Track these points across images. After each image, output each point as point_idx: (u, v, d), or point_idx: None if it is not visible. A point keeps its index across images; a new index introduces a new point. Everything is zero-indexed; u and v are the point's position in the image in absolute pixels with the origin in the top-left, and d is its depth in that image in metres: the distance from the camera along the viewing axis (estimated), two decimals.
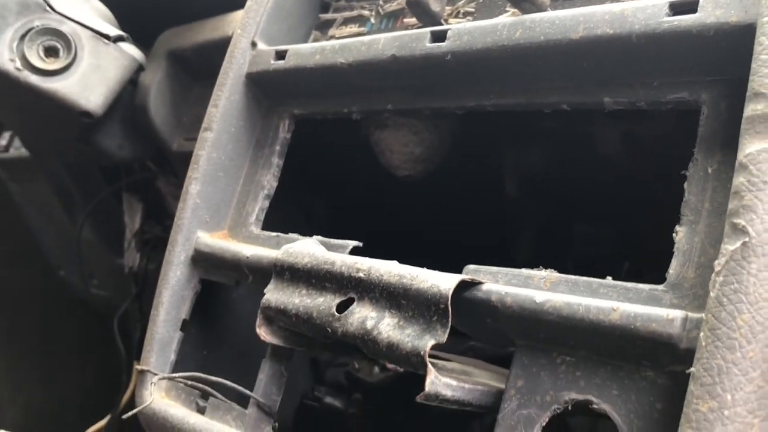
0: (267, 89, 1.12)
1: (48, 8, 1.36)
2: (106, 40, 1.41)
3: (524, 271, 0.77)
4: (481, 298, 0.74)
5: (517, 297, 0.71)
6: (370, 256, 0.85)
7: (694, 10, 0.70)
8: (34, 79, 1.35)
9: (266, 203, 1.09)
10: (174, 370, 1.05)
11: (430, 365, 0.72)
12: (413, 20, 1.05)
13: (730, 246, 0.60)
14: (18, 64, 1.33)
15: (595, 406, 0.67)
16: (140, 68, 1.49)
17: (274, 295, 0.91)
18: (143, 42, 1.51)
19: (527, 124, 1.19)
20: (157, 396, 1.02)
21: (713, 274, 0.60)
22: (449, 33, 0.89)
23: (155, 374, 1.02)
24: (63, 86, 1.36)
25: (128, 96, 1.50)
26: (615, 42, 0.75)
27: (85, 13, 1.41)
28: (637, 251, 1.25)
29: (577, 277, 0.73)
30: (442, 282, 0.74)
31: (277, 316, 0.90)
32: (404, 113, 1.07)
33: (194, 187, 1.08)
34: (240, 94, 1.11)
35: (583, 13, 0.78)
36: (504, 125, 1.19)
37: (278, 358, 0.95)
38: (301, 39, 1.16)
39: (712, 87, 0.72)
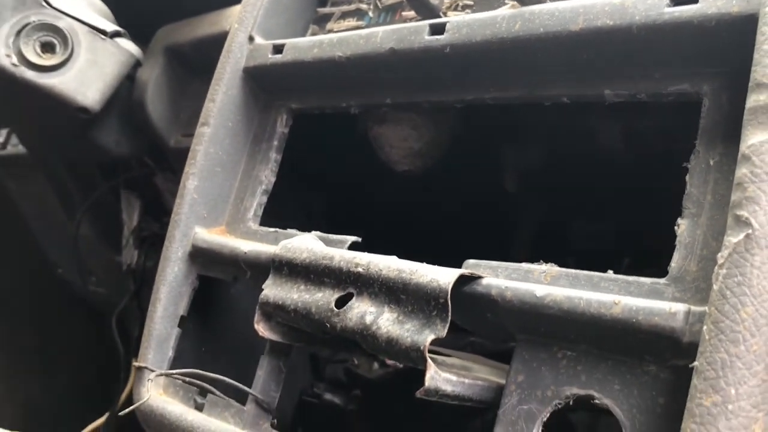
0: (264, 84, 1.12)
1: (44, 4, 1.36)
2: (102, 36, 1.40)
3: (524, 265, 0.76)
4: (481, 292, 0.74)
5: (518, 291, 0.71)
6: (369, 252, 0.84)
7: (695, 1, 0.70)
8: (31, 75, 1.34)
9: (264, 198, 1.08)
10: (172, 367, 1.04)
11: (429, 360, 0.71)
12: (411, 13, 1.04)
13: (733, 238, 0.59)
14: (14, 59, 1.32)
15: (596, 401, 0.67)
16: (137, 64, 1.48)
17: (273, 290, 0.90)
18: (140, 38, 1.50)
19: (527, 119, 1.18)
20: (155, 393, 1.01)
21: (716, 267, 0.59)
22: (448, 26, 0.88)
23: (153, 371, 1.02)
24: (60, 82, 1.36)
25: (125, 92, 1.50)
26: (615, 33, 0.75)
27: (81, 8, 1.40)
28: (637, 247, 1.25)
29: (577, 271, 0.73)
30: (441, 276, 0.73)
31: (275, 312, 0.90)
32: (403, 107, 1.07)
33: (191, 182, 1.07)
34: (237, 88, 1.10)
35: (583, 5, 0.77)
36: (503, 120, 1.19)
37: (277, 354, 0.94)
38: (299, 33, 1.16)
39: (713, 78, 0.72)
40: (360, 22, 1.11)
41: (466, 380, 0.75)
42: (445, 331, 0.71)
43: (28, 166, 1.90)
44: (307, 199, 1.46)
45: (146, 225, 1.75)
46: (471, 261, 0.80)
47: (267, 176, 1.09)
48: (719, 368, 0.56)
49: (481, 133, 1.22)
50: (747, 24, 0.66)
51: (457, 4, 1.00)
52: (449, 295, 0.71)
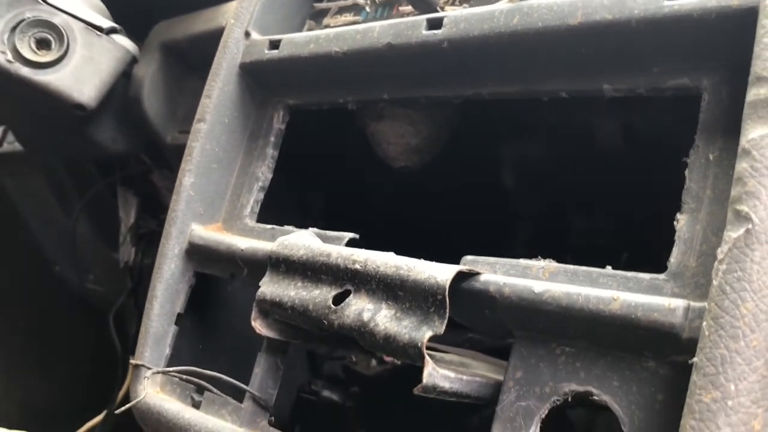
0: (261, 79, 1.11)
1: (39, 0, 1.35)
2: (98, 32, 1.39)
3: (522, 261, 0.76)
4: (479, 288, 0.73)
5: (516, 287, 0.70)
6: (366, 248, 0.84)
7: None
8: (26, 72, 1.33)
9: (261, 195, 1.08)
10: (169, 365, 1.04)
11: (427, 357, 0.71)
12: (409, 8, 1.03)
13: (733, 233, 0.59)
14: (9, 56, 1.31)
15: (595, 397, 0.66)
16: (134, 60, 1.48)
17: (270, 287, 0.89)
18: (137, 34, 1.50)
19: (525, 115, 1.18)
20: (152, 391, 1.01)
21: (716, 262, 0.59)
22: (445, 20, 0.87)
23: (149, 368, 1.01)
24: (55, 79, 1.35)
25: (122, 89, 1.49)
26: (614, 27, 0.74)
27: (77, 4, 1.40)
28: (635, 243, 1.24)
29: (576, 266, 0.72)
30: (439, 273, 0.73)
31: (272, 309, 0.89)
32: (400, 103, 1.06)
33: (188, 179, 1.07)
34: (234, 84, 1.10)
35: None
36: (502, 116, 1.18)
37: (274, 351, 0.94)
38: (296, 28, 1.15)
39: (713, 72, 0.71)
40: (357, 18, 1.10)
41: (464, 377, 0.75)
42: (443, 327, 0.71)
43: (25, 164, 1.89)
44: (305, 195, 1.46)
45: (143, 222, 1.75)
46: (469, 257, 0.79)
47: (264, 173, 1.08)
48: (719, 364, 0.56)
49: (479, 129, 1.22)
50: (747, 17, 0.65)
51: None
52: (447, 292, 0.71)
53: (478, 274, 0.74)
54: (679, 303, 0.61)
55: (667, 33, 0.71)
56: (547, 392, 0.69)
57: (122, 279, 1.78)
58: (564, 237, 1.38)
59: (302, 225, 0.98)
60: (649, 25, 0.72)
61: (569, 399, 0.68)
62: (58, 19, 1.35)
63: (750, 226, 0.58)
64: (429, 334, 0.71)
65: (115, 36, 1.42)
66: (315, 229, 0.95)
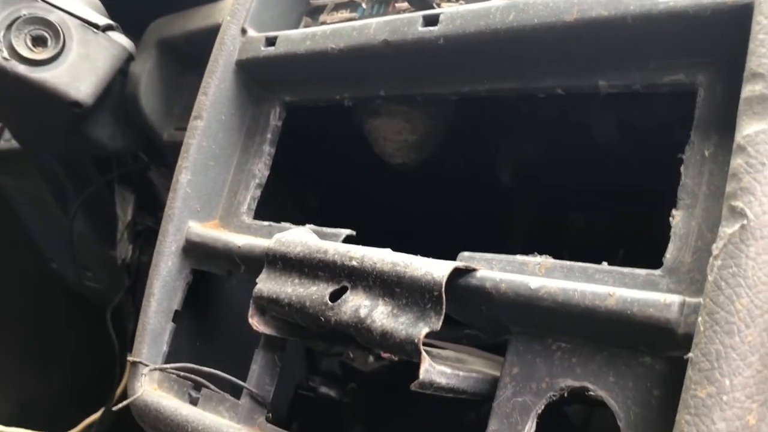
0: (257, 76, 1.11)
1: None
2: (95, 30, 1.39)
3: (519, 257, 0.76)
4: (476, 285, 0.73)
5: (512, 283, 0.71)
6: (363, 245, 0.84)
7: None
8: (22, 69, 1.33)
9: (258, 192, 1.08)
10: (167, 362, 1.04)
11: (424, 353, 0.71)
12: (405, 5, 1.03)
13: (728, 229, 0.59)
14: (5, 54, 1.31)
15: (591, 393, 0.67)
16: (130, 58, 1.47)
17: (267, 284, 0.90)
18: (133, 31, 1.49)
19: (522, 112, 1.18)
20: (150, 388, 1.01)
21: (711, 258, 0.59)
22: (441, 17, 0.87)
23: (147, 365, 1.01)
24: (52, 76, 1.35)
25: (118, 86, 1.49)
26: (610, 24, 0.74)
27: (73, 1, 1.39)
28: (631, 239, 1.24)
29: (572, 262, 0.72)
30: (435, 269, 0.73)
31: (269, 306, 0.89)
32: (397, 100, 1.06)
33: (184, 176, 1.07)
34: (230, 81, 1.10)
35: None
36: (498, 114, 1.18)
37: (271, 348, 0.94)
38: (292, 25, 1.15)
39: (708, 69, 0.71)
40: (353, 14, 1.10)
41: (461, 373, 0.75)
42: (440, 323, 0.71)
43: (22, 161, 1.89)
44: (301, 192, 1.46)
45: (141, 219, 1.75)
46: (465, 253, 0.79)
47: (260, 170, 1.08)
48: (714, 359, 0.56)
49: (476, 125, 1.22)
50: (742, 13, 0.65)
51: None
52: (443, 288, 0.71)
53: (474, 270, 0.74)
54: (674, 299, 0.61)
55: (662, 29, 0.71)
56: (544, 388, 0.69)
57: (120, 276, 1.78)
58: (560, 233, 1.38)
59: (299, 222, 0.98)
60: (645, 21, 0.72)
61: (565, 394, 0.69)
62: (54, 17, 1.35)
63: (745, 221, 0.58)
64: (425, 330, 0.71)
65: (111, 33, 1.42)
66: (312, 226, 0.95)
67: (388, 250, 0.81)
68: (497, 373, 0.74)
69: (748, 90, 0.62)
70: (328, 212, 1.44)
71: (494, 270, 0.75)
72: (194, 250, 1.05)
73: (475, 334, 1.14)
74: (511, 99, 0.90)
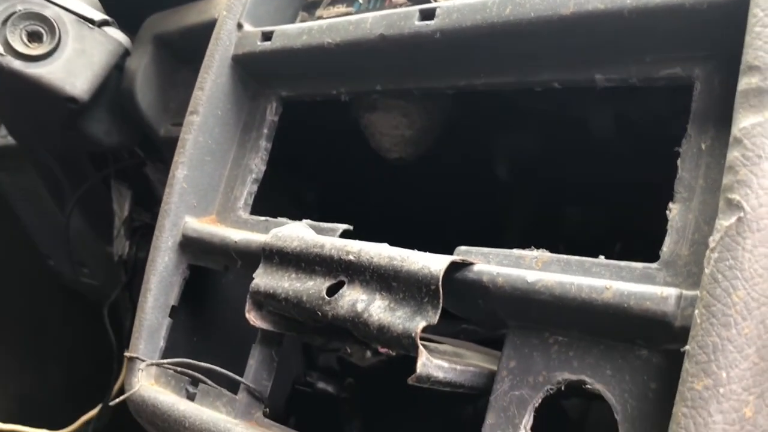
0: (254, 71, 1.11)
1: None
2: (90, 25, 1.39)
3: (516, 251, 0.76)
4: (473, 278, 0.73)
5: (509, 277, 0.70)
6: (360, 240, 0.84)
7: None
8: (18, 65, 1.32)
9: (254, 187, 1.08)
10: (164, 357, 1.04)
11: (421, 347, 0.71)
12: None
13: (724, 222, 0.59)
14: (1, 49, 1.30)
15: (588, 386, 0.67)
16: (126, 53, 1.47)
17: (263, 279, 0.89)
18: (129, 27, 1.49)
19: (518, 106, 1.18)
20: (147, 383, 1.01)
21: (708, 251, 0.59)
22: (438, 11, 0.87)
23: (144, 361, 1.01)
24: (48, 72, 1.34)
25: (114, 81, 1.48)
26: (606, 17, 0.74)
27: None
28: (628, 233, 1.24)
29: (569, 256, 0.72)
30: (432, 263, 0.73)
31: (266, 301, 0.89)
32: (394, 95, 1.06)
33: (181, 171, 1.07)
34: (226, 76, 1.10)
35: None
36: (495, 108, 1.18)
37: (268, 343, 0.94)
38: (288, 20, 1.14)
39: (705, 62, 0.71)
40: (350, 9, 1.10)
41: (458, 367, 0.75)
42: (437, 317, 0.71)
43: (18, 158, 1.88)
44: (298, 187, 1.46)
45: (137, 215, 1.74)
46: (462, 248, 0.79)
47: (257, 165, 1.08)
48: (711, 352, 0.56)
49: (472, 120, 1.22)
50: (738, 6, 0.65)
51: None
52: (440, 282, 0.71)
53: (471, 264, 0.74)
54: (671, 291, 0.61)
55: (659, 22, 0.71)
56: (541, 381, 0.69)
57: (117, 272, 1.77)
58: (557, 227, 1.38)
59: (296, 217, 0.98)
60: (641, 14, 0.71)
61: (562, 388, 0.69)
62: (50, 12, 1.34)
63: (741, 214, 0.58)
64: (422, 324, 0.71)
65: (107, 28, 1.42)
66: (309, 221, 0.95)
67: (385, 245, 0.81)
68: (494, 367, 0.74)
69: (745, 83, 0.62)
70: (324, 207, 1.44)
71: (491, 264, 0.75)
72: (191, 246, 1.05)
73: (472, 329, 1.15)
74: (508, 93, 0.90)
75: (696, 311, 0.58)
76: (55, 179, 1.85)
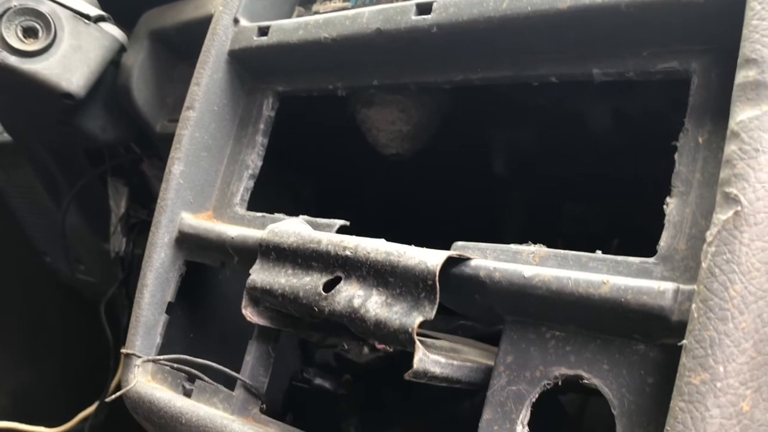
0: (250, 66, 1.10)
1: None
2: (86, 21, 1.38)
3: (513, 246, 0.76)
4: (469, 274, 0.73)
5: (506, 272, 0.70)
6: (357, 235, 0.84)
7: None
8: (14, 61, 1.32)
9: (251, 183, 1.07)
10: (160, 353, 1.04)
11: (418, 342, 0.71)
12: None
13: (722, 216, 0.59)
14: None
15: (585, 381, 0.66)
16: (122, 49, 1.46)
17: (260, 275, 0.89)
18: (125, 22, 1.48)
19: (516, 102, 1.17)
20: (143, 380, 1.01)
21: (705, 245, 0.59)
22: (435, 5, 0.87)
23: (140, 357, 1.01)
24: (43, 67, 1.34)
25: (111, 77, 1.48)
26: (604, 11, 0.74)
27: None
28: (626, 229, 1.24)
29: (566, 251, 0.72)
30: (429, 258, 0.73)
31: (263, 297, 0.89)
32: (391, 90, 1.06)
33: (177, 167, 1.06)
34: (222, 72, 1.09)
35: None
36: (492, 103, 1.18)
37: (265, 339, 0.94)
38: (285, 15, 1.14)
39: (702, 56, 0.71)
40: (346, 3, 1.09)
41: (455, 362, 0.75)
42: (434, 313, 0.71)
43: (14, 154, 1.88)
44: (295, 183, 1.45)
45: (134, 212, 1.74)
46: (459, 243, 0.79)
47: (253, 160, 1.08)
48: (708, 346, 0.56)
49: (470, 115, 1.22)
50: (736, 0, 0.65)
51: None
52: (437, 277, 0.71)
53: (468, 259, 0.74)
54: (668, 286, 0.61)
55: (656, 16, 0.71)
56: (538, 376, 0.69)
57: (113, 269, 1.77)
58: (555, 222, 1.38)
59: (293, 212, 0.98)
60: (639, 8, 0.71)
61: (560, 383, 0.69)
62: (45, 7, 1.34)
63: (739, 208, 0.58)
64: (419, 319, 0.71)
65: (103, 24, 1.41)
66: (305, 217, 0.95)
67: (382, 240, 0.80)
68: (491, 363, 0.73)
69: (742, 76, 0.61)
70: (321, 203, 1.43)
71: (488, 259, 0.75)
72: (187, 242, 1.05)
73: (469, 325, 1.14)
74: (505, 88, 0.90)
75: (693, 305, 0.58)
76: (51, 176, 1.84)
